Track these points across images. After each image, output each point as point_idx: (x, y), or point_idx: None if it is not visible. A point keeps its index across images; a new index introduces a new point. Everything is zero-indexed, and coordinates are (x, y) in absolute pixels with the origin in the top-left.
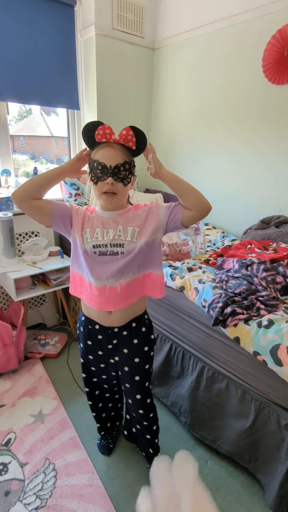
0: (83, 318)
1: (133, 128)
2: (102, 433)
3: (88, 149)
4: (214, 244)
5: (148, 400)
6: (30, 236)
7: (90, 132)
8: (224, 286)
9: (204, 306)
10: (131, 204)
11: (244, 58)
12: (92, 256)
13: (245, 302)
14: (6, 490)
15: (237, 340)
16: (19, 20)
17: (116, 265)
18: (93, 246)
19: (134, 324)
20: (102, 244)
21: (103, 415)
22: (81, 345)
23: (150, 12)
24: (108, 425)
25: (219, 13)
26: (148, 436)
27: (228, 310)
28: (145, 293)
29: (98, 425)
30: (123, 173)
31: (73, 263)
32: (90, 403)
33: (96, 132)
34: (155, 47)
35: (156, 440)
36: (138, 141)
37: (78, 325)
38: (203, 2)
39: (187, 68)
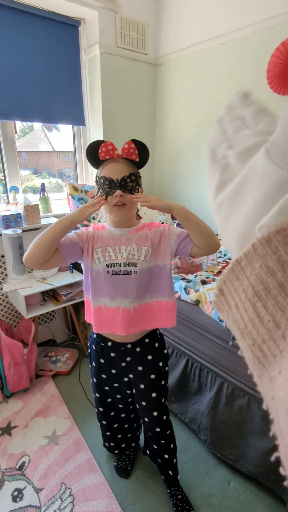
0: (94, 336)
1: (134, 141)
2: (116, 451)
3: (103, 196)
4: (225, 255)
5: (165, 417)
6: None
7: (94, 152)
8: None
9: (221, 320)
10: (140, 217)
11: (247, 71)
12: (105, 276)
13: None
14: None
15: None
16: (25, 41)
17: (129, 285)
18: (107, 266)
19: (147, 340)
20: (116, 263)
21: (119, 436)
22: (94, 364)
23: (153, 29)
24: (123, 445)
25: (220, 28)
26: (166, 456)
27: None
28: (159, 323)
29: (112, 444)
30: (130, 185)
31: (87, 289)
32: (105, 422)
33: (100, 150)
34: (158, 62)
35: (175, 460)
36: (141, 153)
37: (89, 343)
38: (204, 18)
39: (190, 82)
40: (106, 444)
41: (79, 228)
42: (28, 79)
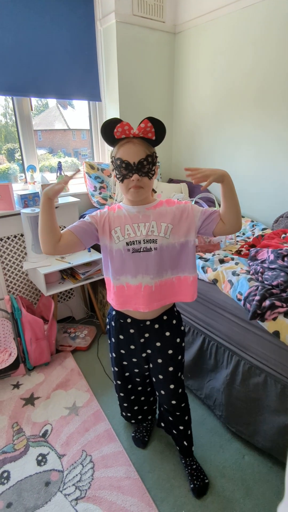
0: (113, 313)
1: (151, 119)
2: (133, 421)
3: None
4: (243, 234)
5: (180, 390)
6: None
7: (109, 130)
8: (260, 278)
9: (239, 299)
10: (155, 192)
11: (275, 38)
12: (125, 254)
13: (284, 294)
14: (46, 481)
15: (276, 334)
16: (37, 13)
17: (150, 261)
18: (127, 244)
19: (165, 317)
20: (136, 241)
21: (135, 407)
22: (113, 340)
23: None
24: (140, 417)
25: None
26: (181, 427)
27: (267, 303)
28: (178, 297)
29: (129, 414)
30: (147, 167)
31: (106, 269)
32: (122, 394)
33: (115, 130)
34: (177, 31)
35: (189, 432)
36: (157, 131)
37: (108, 320)
38: None
39: (211, 51)
40: (123, 413)
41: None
42: (42, 54)
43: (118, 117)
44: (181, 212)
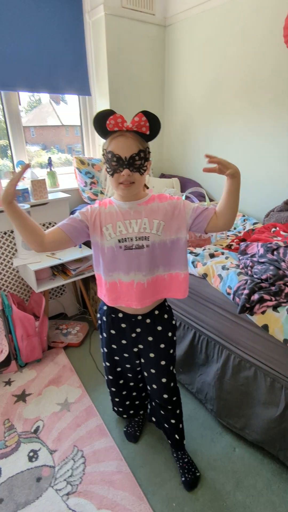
0: (105, 308)
1: (145, 113)
2: (125, 416)
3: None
4: (235, 228)
5: (172, 384)
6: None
7: (102, 122)
8: (250, 272)
9: (229, 293)
10: (147, 188)
11: (262, 28)
12: (117, 251)
13: (273, 288)
14: (38, 476)
15: (265, 327)
16: (24, 5)
17: (142, 259)
18: (119, 241)
19: (156, 312)
20: (128, 238)
21: (127, 402)
22: (104, 335)
23: None
24: (131, 412)
25: None
26: (172, 421)
27: (255, 297)
28: (170, 294)
29: (121, 409)
30: (138, 163)
31: (97, 266)
32: (114, 389)
33: (108, 122)
34: (167, 23)
35: (181, 425)
36: (152, 125)
37: (99, 315)
38: None
39: (201, 43)
40: (115, 408)
41: (86, 206)
42: (29, 47)
43: None
44: (173, 209)
